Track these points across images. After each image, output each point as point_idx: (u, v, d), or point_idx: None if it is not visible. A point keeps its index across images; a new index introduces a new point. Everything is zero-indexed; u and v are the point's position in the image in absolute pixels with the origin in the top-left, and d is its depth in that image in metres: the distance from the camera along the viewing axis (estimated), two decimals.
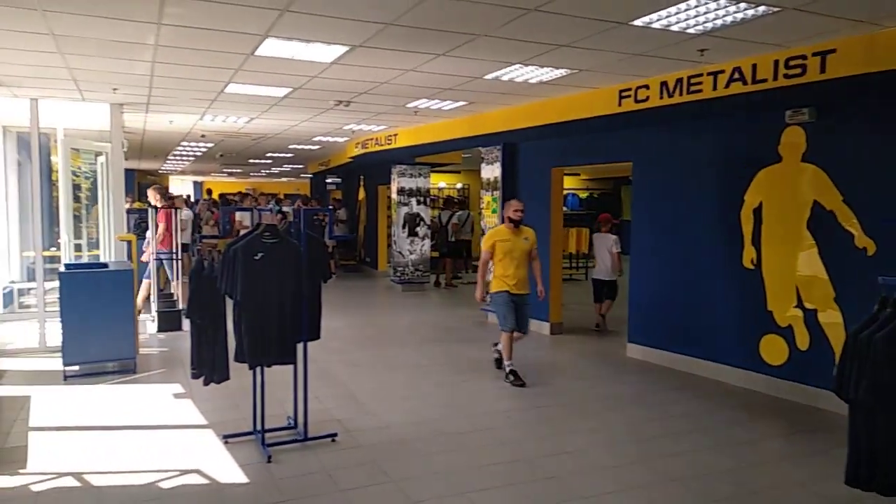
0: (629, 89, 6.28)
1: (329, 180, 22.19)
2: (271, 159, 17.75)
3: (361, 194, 17.05)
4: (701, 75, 5.61)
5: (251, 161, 18.55)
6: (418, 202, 13.34)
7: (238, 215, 13.07)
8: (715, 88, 5.50)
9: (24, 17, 4.28)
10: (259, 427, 4.74)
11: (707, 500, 4.02)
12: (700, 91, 5.64)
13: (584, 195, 20.41)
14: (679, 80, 5.78)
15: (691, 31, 4.50)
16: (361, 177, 16.76)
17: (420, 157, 12.28)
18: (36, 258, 7.62)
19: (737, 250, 6.35)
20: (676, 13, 4.12)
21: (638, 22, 4.27)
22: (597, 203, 20.29)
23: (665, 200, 7.15)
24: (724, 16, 4.17)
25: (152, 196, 9.35)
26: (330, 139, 12.29)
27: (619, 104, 6.41)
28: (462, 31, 4.55)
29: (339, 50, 5.14)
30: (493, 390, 6.42)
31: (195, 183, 33.24)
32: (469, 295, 12.39)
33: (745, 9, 4.01)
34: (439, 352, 8.00)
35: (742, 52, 5.14)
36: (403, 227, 13.21)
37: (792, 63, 4.98)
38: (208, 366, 4.76)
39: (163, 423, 5.28)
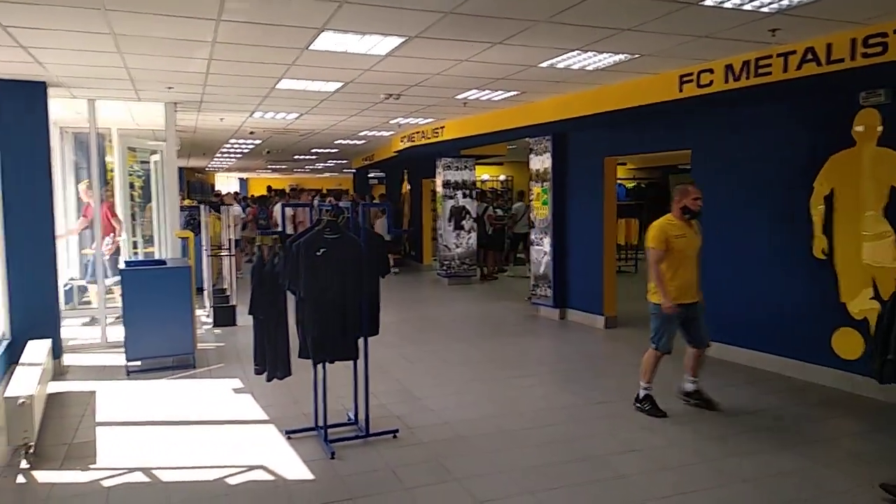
0: (691, 74, 6.05)
1: (371, 175, 22.28)
2: (316, 155, 17.87)
3: (405, 188, 17.03)
4: (770, 57, 5.35)
5: (296, 157, 18.71)
6: (464, 195, 13.24)
7: (299, 213, 13.18)
8: (785, 70, 5.25)
9: (87, 17, 4.32)
10: (321, 423, 4.73)
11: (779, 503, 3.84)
12: (769, 74, 5.38)
13: (630, 185, 19.98)
14: (746, 63, 5.53)
15: (765, 9, 4.28)
16: (405, 171, 16.74)
17: (466, 149, 12.17)
18: (96, 256, 7.78)
19: (805, 240, 6.08)
20: None
21: (709, 1, 4.08)
22: (644, 193, 19.85)
23: (727, 189, 6.89)
24: None
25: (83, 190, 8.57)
26: (376, 133, 12.27)
27: (680, 90, 6.18)
28: (523, 17, 4.42)
29: (394, 41, 5.07)
30: (550, 385, 6.30)
31: (240, 179, 33.81)
32: (516, 288, 12.28)
33: None
34: (492, 346, 7.91)
35: (816, 31, 4.88)
36: (449, 220, 13.14)
37: (871, 41, 4.70)
38: (271, 362, 4.76)
39: (225, 417, 5.32)
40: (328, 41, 5.02)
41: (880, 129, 5.42)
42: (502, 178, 21.38)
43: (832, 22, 4.62)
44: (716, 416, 5.27)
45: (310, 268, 4.27)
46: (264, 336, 4.76)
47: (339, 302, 4.39)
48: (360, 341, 4.67)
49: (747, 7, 4.22)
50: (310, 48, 5.23)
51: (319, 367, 4.65)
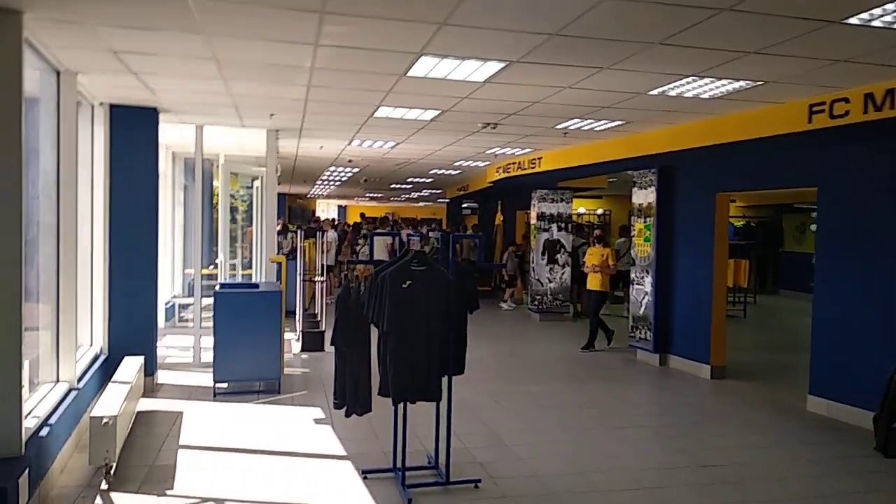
0: (823, 103, 5.43)
1: (465, 205, 22.22)
2: (411, 184, 18.00)
3: (499, 219, 16.78)
4: None
5: (392, 186, 18.94)
6: (559, 228, 12.81)
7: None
8: None
9: (190, 42, 4.37)
10: (399, 465, 4.46)
11: None
12: None
13: (739, 223, 18.77)
14: (889, 92, 4.88)
15: None
16: (500, 202, 16.50)
17: (563, 181, 11.78)
18: (195, 276, 7.97)
19: None
20: None
21: (853, 20, 3.57)
22: (755, 232, 18.58)
23: (860, 231, 6.15)
24: None
25: None
26: (471, 163, 12.13)
27: (809, 121, 5.57)
28: (635, 38, 4.07)
29: (493, 67, 4.84)
30: (652, 440, 5.74)
31: (339, 207, 34.81)
32: (615, 328, 11.66)
33: None
34: (587, 390, 7.40)
35: None
36: (543, 254, 12.73)
37: None
38: (351, 397, 4.56)
39: (304, 450, 5.17)
40: (426, 67, 4.86)
41: None
42: (600, 211, 20.72)
43: None
44: (852, 494, 4.56)
45: (394, 301, 4.05)
46: (346, 370, 4.57)
47: (423, 338, 4.13)
48: (444, 380, 4.39)
49: None
50: (407, 74, 5.09)
51: (400, 405, 4.40)
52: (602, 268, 9.40)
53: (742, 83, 5.16)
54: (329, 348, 8.82)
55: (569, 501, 4.34)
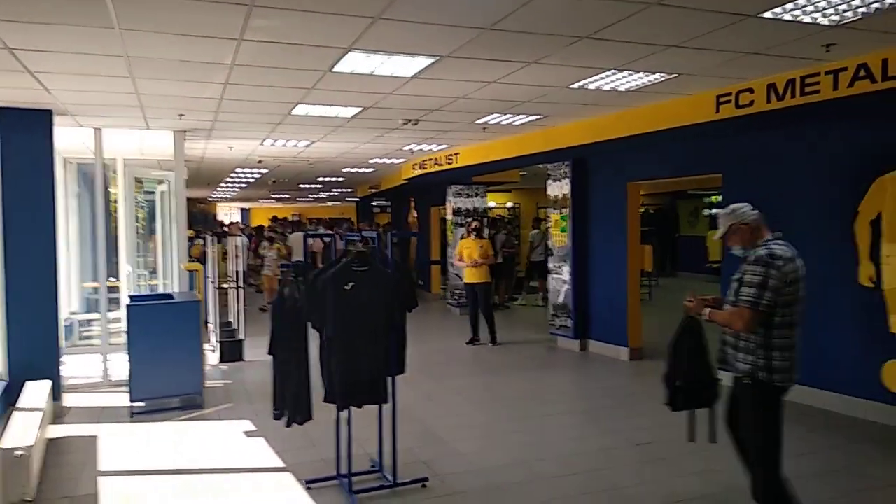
0: (729, 94, 5.78)
1: (375, 203, 22.03)
2: (322, 184, 17.63)
3: (413, 216, 16.75)
4: (818, 75, 5.08)
5: (301, 186, 18.47)
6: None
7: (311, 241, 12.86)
8: (836, 88, 4.97)
9: (100, 38, 4.04)
10: (344, 471, 4.35)
11: None
12: (817, 92, 5.11)
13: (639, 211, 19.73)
14: (790, 82, 5.26)
15: (824, 21, 4.00)
16: (412, 199, 16.47)
17: (479, 176, 11.91)
18: (100, 290, 7.43)
19: (851, 267, 5.75)
20: (816, 1, 3.64)
21: (768, 13, 3.81)
22: (652, 219, 19.59)
23: (762, 213, 6.57)
24: (871, 2, 3.68)
25: None
26: (386, 161, 12.03)
27: (717, 111, 5.90)
28: (566, 33, 4.15)
29: (422, 62, 4.79)
30: (583, 425, 5.91)
31: (242, 209, 33.61)
32: (529, 318, 11.91)
33: None
34: (516, 381, 7.52)
35: (872, 47, 4.62)
36: None
37: None
38: (291, 405, 4.38)
39: (238, 465, 4.93)
40: (353, 62, 4.74)
41: None
42: (510, 205, 21.13)
43: (891, 35, 4.35)
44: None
45: (338, 304, 3.92)
46: (285, 378, 4.39)
47: (369, 340, 4.04)
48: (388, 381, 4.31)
49: (806, 19, 3.95)
50: (333, 70, 4.95)
51: (344, 410, 4.28)
52: (486, 260, 9.52)
53: (658, 76, 5.40)
54: (250, 357, 8.58)
55: (515, 492, 4.38)
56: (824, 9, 3.77)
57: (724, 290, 7.17)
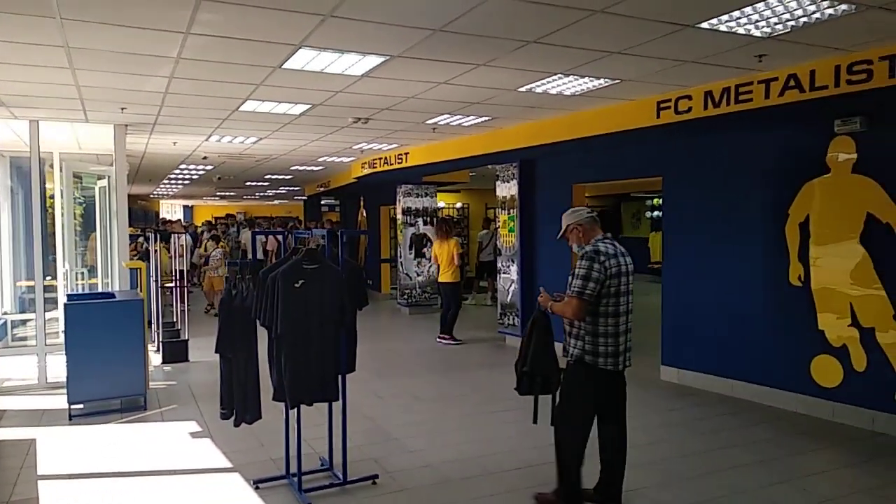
0: (669, 100, 6.00)
1: (324, 202, 21.82)
2: (269, 182, 17.36)
3: (362, 215, 16.68)
4: (751, 84, 5.34)
5: (248, 184, 18.15)
6: (424, 222, 13.00)
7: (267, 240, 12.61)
8: (767, 97, 5.23)
9: (39, 28, 3.92)
10: (294, 470, 4.33)
11: None
12: (750, 101, 5.36)
13: None
14: (726, 90, 5.51)
15: (757, 33, 4.22)
16: (362, 197, 16.40)
17: (429, 176, 11.97)
18: (37, 288, 7.16)
19: (782, 267, 6.06)
20: (750, 14, 3.84)
21: (705, 24, 3.99)
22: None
23: (701, 216, 6.86)
24: (801, 16, 3.90)
25: None
26: (335, 159, 11.95)
27: (658, 116, 6.13)
28: (514, 37, 4.24)
29: (373, 61, 4.81)
30: (529, 419, 6.02)
31: (185, 207, 32.75)
32: (479, 317, 12.04)
33: (826, 7, 3.74)
34: (464, 379, 7.61)
35: (801, 58, 4.88)
36: (410, 248, 12.86)
37: (856, 68, 4.72)
38: (239, 405, 4.35)
39: (183, 466, 4.84)
40: (304, 59, 4.73)
41: (854, 156, 5.46)
42: (459, 205, 21.27)
43: (818, 48, 4.62)
44: (708, 451, 5.10)
45: (288, 302, 3.91)
46: (232, 376, 4.35)
47: (319, 338, 4.04)
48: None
49: (741, 31, 4.15)
50: (283, 66, 4.92)
51: (292, 410, 4.27)
52: (453, 261, 9.63)
53: (602, 81, 5.56)
54: (194, 358, 8.40)
55: (464, 487, 4.44)
56: (756, 21, 3.98)
57: (664, 289, 7.48)
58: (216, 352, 4.36)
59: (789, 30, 4.15)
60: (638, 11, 3.73)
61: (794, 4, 3.70)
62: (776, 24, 4.03)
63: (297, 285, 3.94)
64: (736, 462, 4.84)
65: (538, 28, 4.08)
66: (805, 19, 3.96)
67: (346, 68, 5.03)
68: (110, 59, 4.70)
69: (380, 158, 11.22)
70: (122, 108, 6.54)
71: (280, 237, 6.07)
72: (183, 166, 12.98)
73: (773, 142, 6.09)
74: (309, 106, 6.59)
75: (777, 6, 3.72)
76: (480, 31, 4.11)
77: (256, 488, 4.38)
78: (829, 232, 5.72)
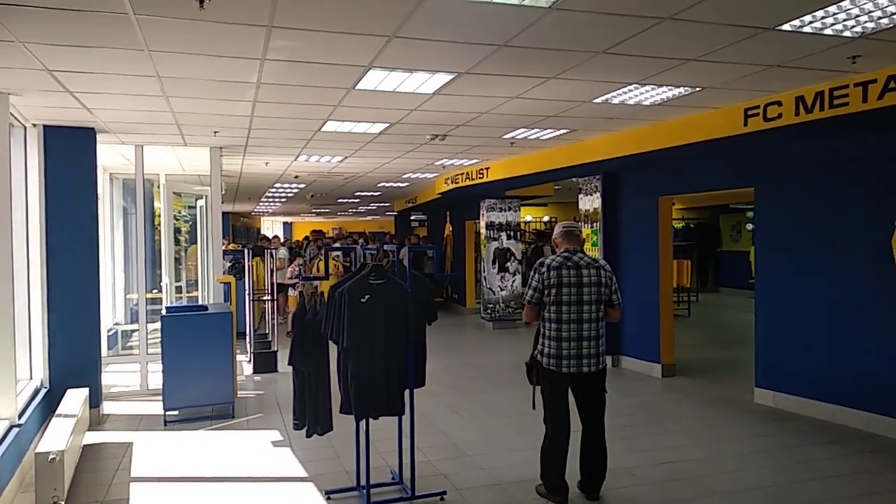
0: (757, 107, 5.68)
1: (413, 217, 22.18)
2: (359, 198, 17.88)
3: (448, 230, 16.83)
4: (846, 87, 4.96)
5: (340, 200, 18.77)
6: (508, 237, 12.95)
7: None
8: (865, 101, 4.84)
9: (131, 60, 4.24)
10: (363, 482, 4.39)
11: None
12: (846, 105, 4.98)
13: (679, 225, 19.39)
14: (819, 94, 5.15)
15: (847, 33, 3.92)
16: (448, 213, 16.56)
17: (511, 190, 11.92)
18: (139, 301, 7.70)
19: (888, 283, 5.56)
20: (836, 13, 3.57)
21: (786, 26, 3.75)
22: (693, 234, 19.21)
23: (797, 228, 6.43)
24: (893, 13, 3.59)
25: None
26: (419, 175, 12.14)
27: (745, 124, 5.81)
28: (580, 48, 4.16)
29: (442, 79, 4.87)
30: (611, 441, 5.79)
31: (285, 223, 34.28)
32: None
33: None
34: None
35: None
36: (493, 262, 12.83)
37: None
38: (311, 417, 4.47)
39: (263, 474, 5.03)
40: (375, 80, 4.85)
41: None
42: (546, 219, 21.04)
43: None
44: (808, 481, 4.73)
45: (353, 316, 4.00)
46: (305, 389, 4.49)
47: (384, 353, 4.10)
48: (406, 393, 4.36)
49: (828, 32, 3.87)
50: (356, 87, 5.07)
51: (362, 422, 4.34)
52: None
53: (681, 90, 5.35)
54: (283, 369, 8.73)
55: None
56: (844, 20, 3.69)
57: (757, 306, 7.03)
58: (289, 364, 4.53)
59: (883, 28, 3.82)
60: (709, 16, 3.56)
61: (884, 1, 3.40)
62: (867, 22, 3.72)
63: (363, 300, 4.02)
64: (836, 494, 4.46)
65: (605, 39, 3.98)
66: None
67: (417, 87, 5.10)
68: (198, 87, 5.01)
69: (461, 174, 11.29)
70: (215, 132, 6.95)
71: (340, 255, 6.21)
72: (277, 185, 13.60)
73: (875, 149, 5.63)
74: (387, 124, 6.74)
75: (865, 3, 3.44)
76: (545, 45, 4.06)
77: (328, 499, 4.48)
78: None
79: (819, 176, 6.20)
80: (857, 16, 3.63)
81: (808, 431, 5.84)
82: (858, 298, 5.87)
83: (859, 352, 5.85)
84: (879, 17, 3.67)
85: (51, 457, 4.10)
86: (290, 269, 12.05)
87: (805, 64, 4.59)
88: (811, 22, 3.69)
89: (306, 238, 17.15)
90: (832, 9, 3.50)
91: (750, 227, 18.06)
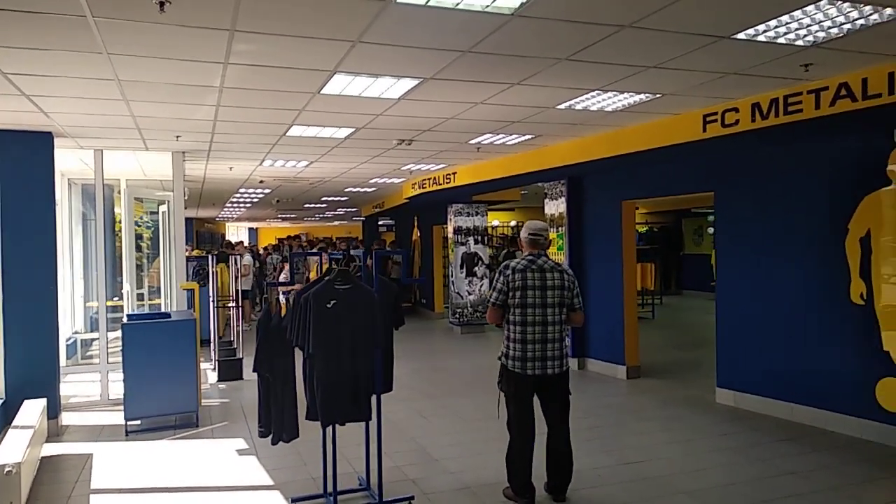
0: (715, 113, 5.83)
1: (381, 222, 22.13)
2: (326, 203, 17.76)
3: (416, 235, 16.83)
4: (800, 94, 5.13)
5: (306, 206, 18.63)
6: (476, 241, 13.01)
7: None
8: (818, 107, 5.01)
9: (90, 63, 4.16)
10: (330, 489, 4.36)
11: None
12: (799, 111, 5.15)
13: (643, 229, 19.73)
14: (774, 101, 5.30)
15: (800, 42, 4.06)
16: (416, 217, 16.57)
17: (478, 195, 11.99)
18: (100, 309, 7.53)
19: (843, 284, 5.75)
20: (788, 23, 3.70)
21: (741, 35, 3.86)
22: (656, 237, 19.56)
23: (755, 232, 6.60)
24: (843, 23, 3.73)
25: None
26: (386, 181, 12.13)
27: (704, 130, 5.96)
28: (543, 55, 4.22)
29: (407, 84, 4.88)
30: (577, 443, 5.86)
31: (250, 229, 33.86)
32: None
33: (869, 13, 3.56)
34: None
35: (851, 66, 4.66)
36: (461, 267, 12.87)
37: None
38: (277, 424, 4.42)
39: (228, 483, 4.95)
40: (340, 84, 4.84)
41: None
42: (513, 223, 21.19)
43: (868, 55, 4.39)
44: (768, 479, 4.84)
45: (319, 321, 3.97)
46: (269, 395, 4.44)
47: (350, 358, 4.08)
48: (373, 399, 4.34)
49: (781, 41, 4.00)
50: (321, 92, 5.05)
51: (329, 428, 4.31)
52: None
53: (642, 96, 5.46)
54: (248, 376, 8.61)
55: None
56: (797, 30, 3.83)
57: (717, 308, 7.19)
58: (253, 370, 4.47)
59: (834, 37, 3.97)
60: (667, 25, 3.65)
61: (833, 11, 3.53)
62: (818, 32, 3.86)
63: (328, 305, 4.00)
64: (791, 491, 4.58)
65: (568, 46, 4.05)
66: (849, 26, 3.78)
67: (382, 92, 5.11)
68: (159, 91, 4.94)
69: (429, 179, 11.32)
70: (177, 137, 6.85)
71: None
72: (242, 190, 13.44)
73: (829, 154, 5.81)
74: (353, 129, 6.73)
75: (815, 13, 3.57)
76: (509, 51, 4.11)
77: None
78: (892, 247, 5.39)
79: (775, 180, 6.37)
80: (809, 25, 3.77)
81: (768, 429, 5.99)
82: (814, 299, 6.04)
83: (814, 351, 6.02)
84: (829, 27, 3.81)
85: (6, 469, 3.98)
86: (282, 276, 12.19)
87: (760, 72, 4.73)
88: (765, 31, 3.82)
89: (281, 241, 17.06)
90: (784, 18, 3.62)
91: (711, 230, 18.48)
